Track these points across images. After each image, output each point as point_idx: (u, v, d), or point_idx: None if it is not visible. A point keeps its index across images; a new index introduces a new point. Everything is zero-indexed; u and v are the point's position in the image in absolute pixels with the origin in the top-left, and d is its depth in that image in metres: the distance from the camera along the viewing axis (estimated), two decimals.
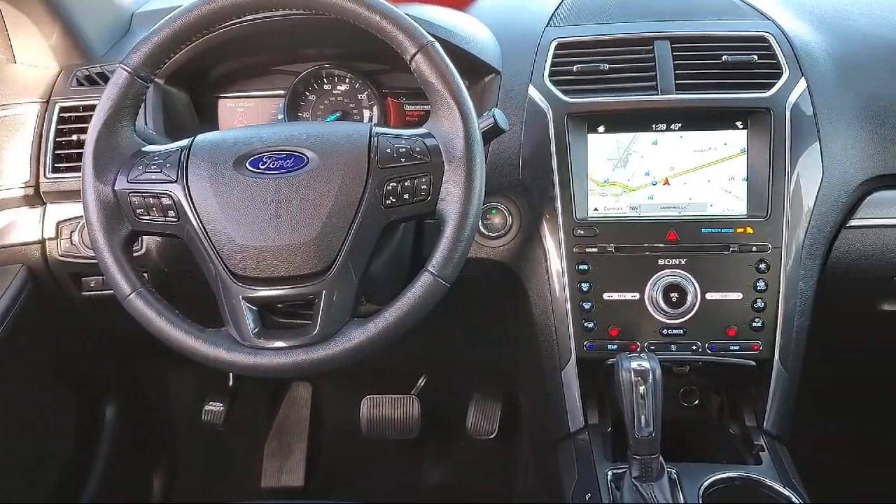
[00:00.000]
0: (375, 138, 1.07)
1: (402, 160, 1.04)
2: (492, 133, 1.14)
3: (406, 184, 1.04)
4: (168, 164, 1.07)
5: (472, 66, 1.34)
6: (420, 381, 2.07)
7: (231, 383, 2.01)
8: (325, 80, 1.49)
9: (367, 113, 1.48)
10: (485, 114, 1.14)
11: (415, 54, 1.05)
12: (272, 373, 1.04)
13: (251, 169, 1.06)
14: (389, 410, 1.99)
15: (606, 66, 1.33)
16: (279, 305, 1.28)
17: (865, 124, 1.31)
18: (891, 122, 1.31)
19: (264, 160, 1.06)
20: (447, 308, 1.34)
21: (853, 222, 1.31)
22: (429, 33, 1.08)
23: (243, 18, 1.12)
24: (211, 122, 1.51)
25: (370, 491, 2.13)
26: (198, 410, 1.95)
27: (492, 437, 2.03)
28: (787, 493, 1.12)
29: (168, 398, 2.10)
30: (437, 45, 1.06)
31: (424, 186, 1.04)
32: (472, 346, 1.86)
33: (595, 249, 1.28)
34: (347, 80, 1.48)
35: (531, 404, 1.54)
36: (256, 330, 1.05)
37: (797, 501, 1.10)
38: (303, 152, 1.06)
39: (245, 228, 1.03)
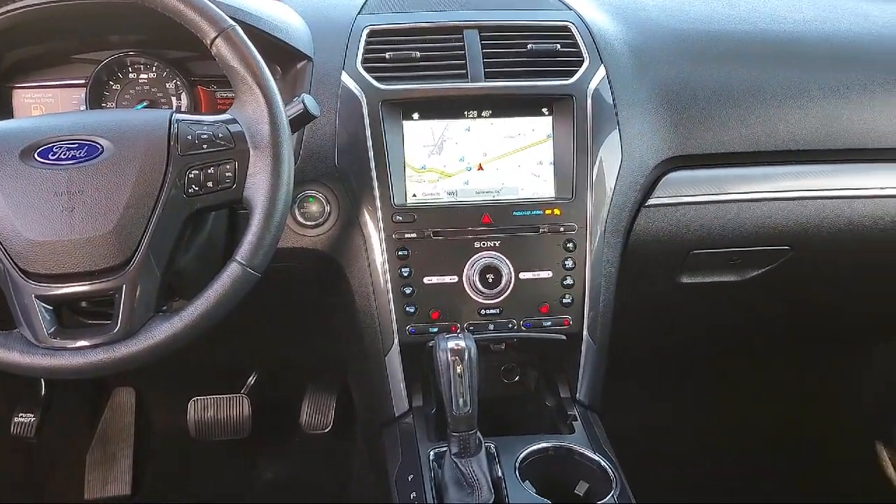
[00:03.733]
0: (176, 125, 1.03)
1: (205, 147, 1.02)
2: (302, 119, 1.13)
3: (209, 171, 1.01)
4: None
5: (283, 53, 1.32)
6: (250, 378, 2.02)
7: (43, 391, 1.88)
8: (129, 68, 1.42)
9: (176, 102, 1.43)
10: (294, 99, 1.13)
11: (215, 38, 1.03)
12: (72, 374, 0.99)
13: (40, 160, 1.00)
14: (218, 411, 1.95)
15: (418, 54, 1.34)
16: (83, 304, 1.21)
17: (659, 109, 1.40)
18: (681, 107, 1.41)
19: (55, 150, 1.00)
20: (269, 301, 1.32)
21: (651, 201, 1.40)
22: (232, 18, 1.06)
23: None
24: (6, 115, 1.40)
25: (203, 495, 2.06)
26: (6, 422, 1.82)
27: (326, 430, 2.02)
28: (597, 458, 1.18)
29: None
30: (239, 29, 1.04)
31: (229, 174, 1.02)
32: (300, 339, 1.85)
33: (414, 235, 1.30)
34: (154, 68, 1.42)
35: (359, 392, 1.54)
36: (53, 330, 0.99)
37: (606, 465, 1.16)
38: (97, 141, 1.01)
39: (34, 223, 0.97)
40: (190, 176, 1.01)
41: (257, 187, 1.02)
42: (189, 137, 1.02)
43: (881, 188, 1.47)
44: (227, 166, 1.02)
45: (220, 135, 1.03)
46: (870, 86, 1.46)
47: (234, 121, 1.05)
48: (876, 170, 1.48)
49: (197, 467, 2.10)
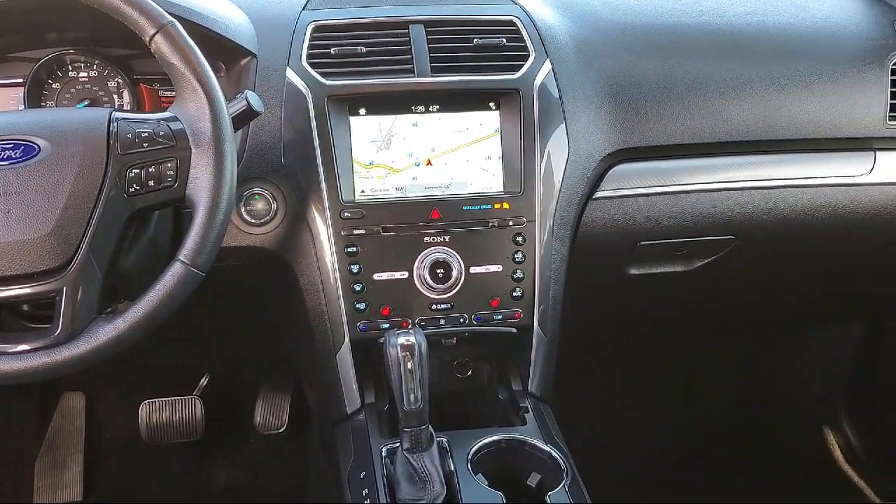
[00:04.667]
0: (115, 124, 1.01)
1: (145, 145, 1.00)
2: (246, 116, 1.12)
3: (150, 170, 1.00)
4: None
5: (226, 49, 1.31)
6: (203, 380, 2.00)
7: None
8: (69, 66, 1.39)
9: (118, 100, 1.40)
10: (238, 96, 1.11)
11: (154, 35, 1.01)
12: (14, 379, 0.97)
13: None
14: (171, 413, 1.92)
15: (364, 49, 1.34)
16: (24, 307, 1.18)
17: (604, 103, 1.41)
18: (626, 100, 1.42)
19: None
20: (218, 300, 1.30)
21: (598, 194, 1.42)
22: (172, 14, 1.04)
23: None
24: None
25: (157, 498, 2.04)
26: None
27: (281, 430, 2.01)
28: (548, 449, 1.19)
29: None
30: (178, 25, 1.03)
31: (171, 172, 1.01)
32: (252, 339, 1.83)
33: (363, 231, 1.29)
34: (95, 66, 1.39)
35: (312, 391, 1.53)
36: None
37: (557, 456, 1.17)
38: (34, 141, 0.99)
39: None
40: (130, 175, 1.00)
41: (200, 185, 1.01)
42: (129, 136, 1.01)
43: (822, 177, 1.51)
44: (169, 165, 1.01)
45: (161, 133, 1.01)
46: (809, 77, 1.49)
47: (175, 118, 1.03)
48: (816, 159, 1.52)
49: (150, 471, 2.07)
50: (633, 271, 1.54)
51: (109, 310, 1.05)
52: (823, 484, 2.11)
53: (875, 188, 1.53)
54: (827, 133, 1.50)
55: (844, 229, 1.55)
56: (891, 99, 1.52)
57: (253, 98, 1.12)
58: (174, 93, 1.39)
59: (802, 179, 1.50)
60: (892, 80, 1.53)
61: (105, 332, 0.98)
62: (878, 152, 1.54)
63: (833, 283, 1.79)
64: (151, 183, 1.00)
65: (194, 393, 1.97)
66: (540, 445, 1.19)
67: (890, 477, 2.01)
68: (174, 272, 1.00)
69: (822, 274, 1.74)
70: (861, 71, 1.52)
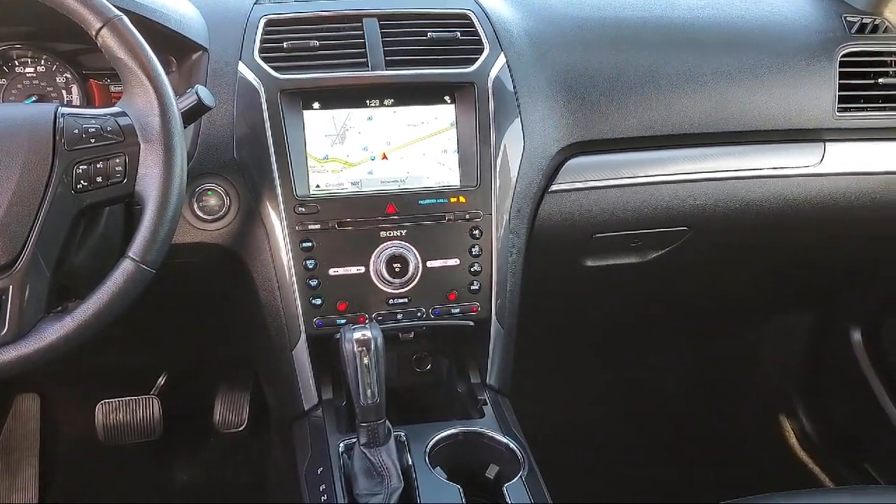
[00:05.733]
0: (61, 119, 1.00)
1: (93, 141, 0.98)
2: (197, 110, 1.10)
3: (98, 166, 0.98)
4: None
5: (177, 44, 1.29)
6: (160, 379, 1.97)
7: None
8: (16, 61, 1.36)
9: (66, 96, 1.38)
10: (188, 91, 1.10)
11: (100, 29, 0.99)
12: None
13: None
14: (127, 414, 1.90)
15: (317, 43, 1.33)
16: None
17: (559, 96, 1.42)
18: (580, 93, 1.43)
19: None
20: (172, 298, 1.28)
21: (554, 187, 1.43)
22: (119, 7, 1.03)
23: None
24: None
25: (115, 500, 2.01)
26: None
27: (241, 428, 1.99)
28: (505, 440, 1.19)
29: None
30: (125, 19, 1.01)
31: (119, 168, 0.99)
32: (209, 336, 1.81)
33: (318, 226, 1.29)
34: (43, 62, 1.36)
35: (269, 388, 1.52)
36: None
37: (514, 447, 1.18)
38: None
39: None
40: (78, 171, 0.98)
41: (149, 181, 0.99)
42: (76, 132, 0.99)
43: (773, 168, 1.53)
44: (117, 160, 0.99)
45: (109, 128, 1.00)
46: (759, 70, 1.51)
47: (123, 114, 1.02)
48: (767, 151, 1.54)
49: (108, 472, 2.04)
50: (590, 263, 1.55)
51: (60, 308, 1.03)
52: (779, 470, 2.15)
53: (825, 178, 1.56)
54: (777, 125, 1.53)
55: (795, 219, 1.58)
56: (839, 91, 1.55)
57: (203, 93, 1.10)
58: None
59: (754, 170, 1.52)
60: (840, 72, 1.55)
61: (53, 332, 0.96)
62: (827, 143, 1.56)
63: (785, 273, 1.82)
64: (99, 179, 0.99)
65: (152, 392, 1.94)
66: (497, 437, 1.20)
67: (842, 462, 2.06)
68: (124, 269, 0.98)
69: (774, 264, 1.77)
70: (810, 63, 1.55)
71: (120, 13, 1.01)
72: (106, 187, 0.99)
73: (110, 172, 0.99)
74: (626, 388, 2.15)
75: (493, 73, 1.36)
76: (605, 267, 1.57)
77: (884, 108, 1.58)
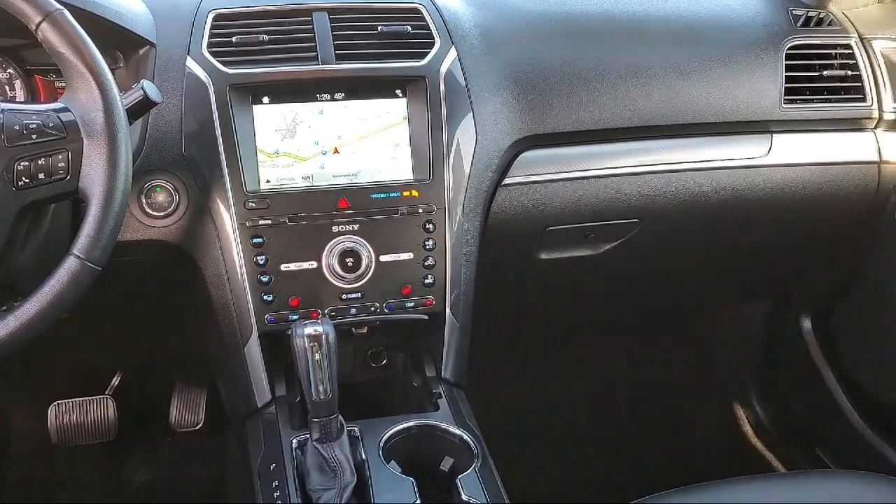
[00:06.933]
0: (1, 115, 0.97)
1: (34, 137, 0.96)
2: (143, 106, 1.09)
3: (40, 162, 0.96)
4: None
5: (123, 39, 1.27)
6: (115, 379, 1.94)
7: None
8: None
9: (10, 92, 1.35)
10: (133, 86, 1.08)
11: (40, 23, 0.97)
12: None
13: None
14: (81, 415, 1.86)
15: (266, 37, 1.32)
16: None
17: (510, 90, 1.43)
18: (531, 87, 1.44)
19: None
20: (122, 296, 1.26)
21: (507, 181, 1.43)
22: (60, 1, 1.01)
23: None
24: None
25: (70, 500, 1.98)
26: None
27: (198, 427, 1.96)
28: (460, 433, 1.20)
29: None
30: (66, 12, 0.99)
31: (62, 164, 0.97)
32: (162, 335, 1.79)
33: (269, 221, 1.28)
34: None
35: (223, 385, 1.51)
36: None
37: (468, 439, 1.18)
38: None
39: None
40: (19, 168, 0.96)
41: (93, 178, 0.98)
42: (16, 128, 0.97)
43: (722, 160, 1.56)
44: (60, 157, 0.97)
45: (51, 124, 0.98)
46: (707, 63, 1.54)
47: (66, 109, 1.00)
48: (716, 143, 1.56)
49: (62, 475, 2.01)
50: (544, 256, 1.56)
51: (4, 308, 1.01)
52: (734, 457, 2.18)
53: (772, 169, 1.59)
54: (726, 117, 1.55)
55: (745, 210, 1.61)
56: (785, 83, 1.58)
57: (150, 88, 1.09)
58: None
59: (704, 162, 1.55)
60: (786, 64, 1.58)
61: None
62: (774, 135, 1.59)
63: (736, 263, 1.85)
64: (42, 176, 0.97)
65: (106, 392, 1.91)
66: (451, 430, 1.20)
67: (794, 449, 2.10)
68: (68, 267, 0.96)
69: (725, 254, 1.80)
70: (757, 56, 1.57)
71: (60, 7, 0.99)
72: (49, 184, 0.98)
73: (53, 169, 0.97)
74: (581, 379, 2.17)
75: (444, 67, 1.36)
76: (560, 259, 1.58)
77: (829, 100, 1.62)
